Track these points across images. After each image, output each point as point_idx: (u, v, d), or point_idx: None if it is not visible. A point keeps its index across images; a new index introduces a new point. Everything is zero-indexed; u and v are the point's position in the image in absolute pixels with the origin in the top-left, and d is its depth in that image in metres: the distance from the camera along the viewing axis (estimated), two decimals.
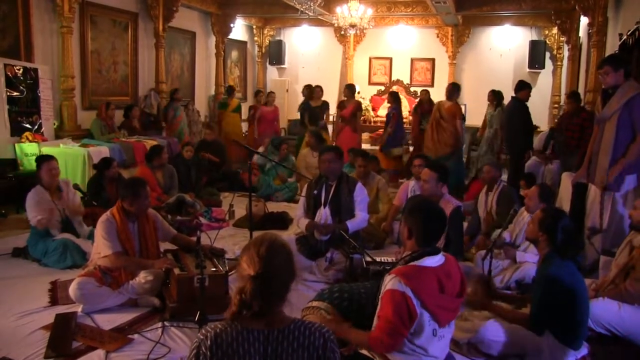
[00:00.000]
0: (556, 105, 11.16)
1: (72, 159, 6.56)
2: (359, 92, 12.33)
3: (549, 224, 3.10)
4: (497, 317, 3.26)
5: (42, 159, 4.97)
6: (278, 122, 9.87)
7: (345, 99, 9.32)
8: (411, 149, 9.61)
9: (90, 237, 4.74)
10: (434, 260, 2.53)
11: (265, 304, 1.71)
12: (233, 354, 1.69)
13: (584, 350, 3.17)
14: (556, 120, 8.66)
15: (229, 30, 11.27)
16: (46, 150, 6.29)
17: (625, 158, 4.36)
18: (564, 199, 5.60)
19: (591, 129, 6.60)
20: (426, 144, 8.10)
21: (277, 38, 13.34)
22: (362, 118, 11.77)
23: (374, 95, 12.55)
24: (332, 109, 11.63)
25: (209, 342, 1.70)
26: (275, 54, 13.23)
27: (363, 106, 11.97)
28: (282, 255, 1.76)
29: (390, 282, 2.49)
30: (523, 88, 7.24)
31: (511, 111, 7.34)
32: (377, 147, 9.72)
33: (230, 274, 3.79)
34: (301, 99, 9.68)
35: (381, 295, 2.55)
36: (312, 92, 9.26)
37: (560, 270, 3.00)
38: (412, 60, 12.62)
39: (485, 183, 5.39)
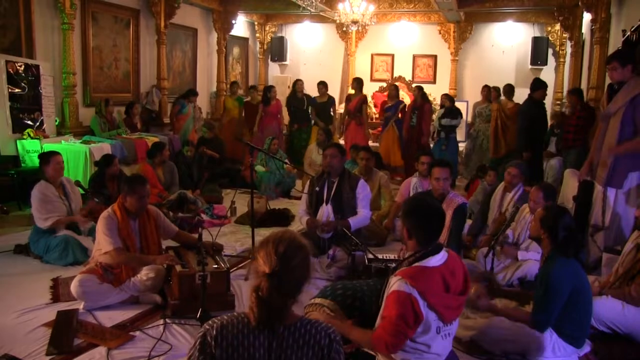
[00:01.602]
0: (558, 102, 11.13)
1: (73, 156, 6.56)
2: None
3: (551, 222, 3.09)
4: (499, 316, 3.25)
5: (48, 154, 4.96)
6: (282, 116, 9.91)
7: (353, 92, 9.44)
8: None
9: (92, 233, 4.74)
10: (437, 259, 2.52)
11: (285, 300, 1.71)
12: (238, 346, 1.70)
13: (586, 348, 3.17)
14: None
15: (230, 26, 11.25)
16: (48, 147, 6.28)
17: (625, 146, 4.33)
18: (566, 196, 5.59)
19: (587, 127, 6.63)
20: (500, 145, 8.22)
21: (279, 34, 13.31)
22: None
23: (376, 91, 12.51)
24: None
25: (214, 332, 1.71)
26: (277, 51, 13.21)
27: None
28: (300, 256, 1.75)
29: (396, 284, 2.47)
30: (539, 87, 7.23)
31: (525, 111, 7.35)
32: (378, 144, 9.70)
33: (231, 271, 3.78)
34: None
35: (386, 295, 2.54)
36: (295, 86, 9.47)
37: (564, 269, 2.99)
38: (414, 56, 12.58)
39: (506, 184, 5.07)
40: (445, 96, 9.26)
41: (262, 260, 1.73)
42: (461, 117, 8.93)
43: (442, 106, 9.25)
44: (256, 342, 1.71)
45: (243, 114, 10.15)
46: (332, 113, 9.56)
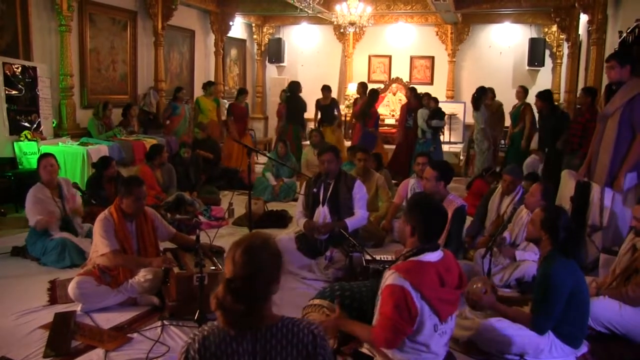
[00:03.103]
0: (555, 103, 11.13)
1: (71, 158, 6.56)
2: None
3: (551, 223, 3.10)
4: (498, 316, 3.25)
5: (40, 157, 5.01)
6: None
7: (358, 96, 9.62)
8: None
9: (89, 235, 4.73)
10: (433, 256, 2.55)
11: (245, 305, 1.67)
12: (222, 355, 1.68)
13: (584, 349, 3.17)
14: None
15: (228, 28, 11.25)
16: (45, 149, 6.29)
17: (626, 161, 4.33)
18: (564, 197, 5.59)
19: (593, 129, 6.62)
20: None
21: (277, 36, 13.32)
22: None
23: None
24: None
25: (197, 345, 1.68)
26: (274, 52, 13.21)
27: None
28: (260, 257, 1.71)
29: (389, 278, 2.50)
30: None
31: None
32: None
33: None
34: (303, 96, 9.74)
35: (381, 291, 2.56)
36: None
37: (563, 270, 3.00)
38: (412, 58, 12.60)
39: (503, 189, 5.03)
40: (429, 96, 9.07)
41: (226, 267, 1.73)
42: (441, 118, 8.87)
43: (418, 106, 8.98)
44: (240, 349, 1.69)
45: (224, 116, 9.87)
46: (335, 114, 9.58)
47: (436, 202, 2.75)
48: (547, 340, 3.04)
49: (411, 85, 10.14)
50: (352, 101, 11.70)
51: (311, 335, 1.73)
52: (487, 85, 9.31)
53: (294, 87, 9.51)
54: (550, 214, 3.17)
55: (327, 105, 9.49)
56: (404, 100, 11.23)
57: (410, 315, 2.44)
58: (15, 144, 6.50)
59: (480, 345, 3.18)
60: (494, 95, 9.11)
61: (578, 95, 7.42)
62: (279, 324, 1.73)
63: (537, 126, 7.89)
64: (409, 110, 9.02)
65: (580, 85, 8.97)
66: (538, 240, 3.21)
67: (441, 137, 9.16)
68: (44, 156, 4.99)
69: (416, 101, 8.97)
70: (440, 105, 9.05)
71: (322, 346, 1.74)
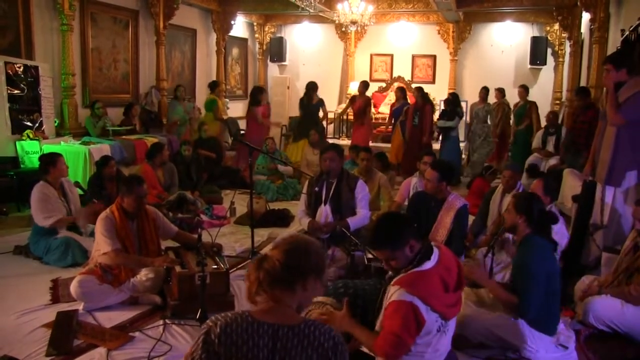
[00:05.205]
0: (557, 102, 11.14)
1: (73, 157, 6.55)
2: None
3: (525, 205, 3.19)
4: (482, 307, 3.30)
5: (53, 156, 4.97)
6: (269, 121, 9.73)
7: (358, 94, 9.51)
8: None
9: (92, 234, 4.73)
10: (432, 261, 2.53)
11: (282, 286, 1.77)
12: (242, 345, 1.69)
13: (570, 343, 3.15)
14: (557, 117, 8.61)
15: (229, 27, 11.24)
16: (47, 148, 6.29)
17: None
18: (566, 196, 5.59)
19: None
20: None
21: (278, 35, 13.32)
22: None
23: (375, 92, 12.53)
24: (333, 106, 11.75)
25: (218, 329, 1.70)
26: (276, 51, 13.21)
27: None
28: (313, 255, 1.84)
29: (396, 293, 2.46)
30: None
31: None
32: (379, 144, 9.70)
33: (231, 271, 3.77)
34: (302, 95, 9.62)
35: (386, 305, 2.53)
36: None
37: (539, 257, 3.07)
38: (413, 56, 12.60)
39: (505, 187, 5.06)
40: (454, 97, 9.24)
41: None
42: (459, 117, 8.90)
43: (423, 105, 9.09)
44: (260, 342, 1.70)
45: (225, 115, 9.88)
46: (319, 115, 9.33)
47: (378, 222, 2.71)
48: (523, 331, 3.05)
49: (418, 85, 10.13)
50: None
51: (332, 341, 1.73)
52: (488, 84, 9.35)
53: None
54: (522, 198, 3.28)
55: (312, 104, 9.16)
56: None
57: (417, 329, 2.43)
58: (17, 143, 6.51)
59: (469, 337, 3.20)
60: (503, 94, 9.12)
61: (572, 98, 7.38)
62: (301, 325, 1.74)
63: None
64: (415, 110, 9.04)
65: (583, 84, 8.96)
66: (515, 227, 3.26)
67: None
68: (57, 156, 4.96)
69: (422, 101, 8.99)
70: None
71: (342, 352, 1.74)
